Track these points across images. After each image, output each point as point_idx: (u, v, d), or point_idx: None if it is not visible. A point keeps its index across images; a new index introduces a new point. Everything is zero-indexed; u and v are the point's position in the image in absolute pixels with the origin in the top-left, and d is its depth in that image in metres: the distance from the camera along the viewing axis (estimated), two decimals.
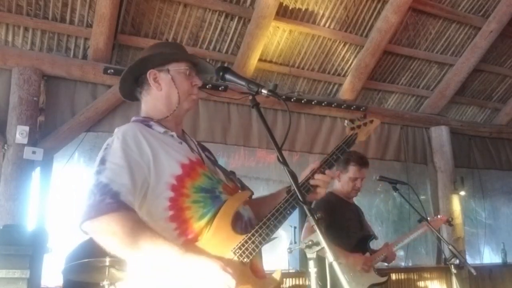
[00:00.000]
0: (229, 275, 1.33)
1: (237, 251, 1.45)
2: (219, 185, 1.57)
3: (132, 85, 1.73)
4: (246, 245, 1.47)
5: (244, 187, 1.69)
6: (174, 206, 1.46)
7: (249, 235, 1.49)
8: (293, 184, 1.41)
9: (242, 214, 1.57)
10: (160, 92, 1.65)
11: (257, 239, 1.48)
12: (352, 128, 1.83)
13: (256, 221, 1.59)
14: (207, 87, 4.19)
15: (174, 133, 1.62)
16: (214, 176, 1.59)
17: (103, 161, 1.41)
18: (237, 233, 1.49)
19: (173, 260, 1.32)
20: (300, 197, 1.40)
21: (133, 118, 1.68)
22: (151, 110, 1.68)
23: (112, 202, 1.31)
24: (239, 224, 1.53)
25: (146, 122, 1.61)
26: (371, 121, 1.89)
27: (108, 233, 1.30)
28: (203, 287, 1.33)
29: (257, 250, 1.49)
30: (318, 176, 1.65)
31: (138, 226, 1.33)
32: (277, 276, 1.52)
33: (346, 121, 1.86)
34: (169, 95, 1.65)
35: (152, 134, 1.55)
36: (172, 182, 1.47)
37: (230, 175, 1.72)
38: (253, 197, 1.71)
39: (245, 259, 1.45)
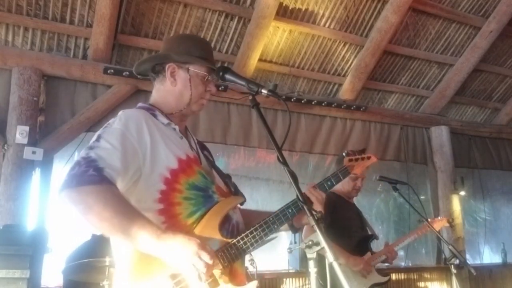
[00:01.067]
0: (206, 252, 1.32)
1: (219, 254, 1.44)
2: (213, 185, 1.58)
3: (148, 69, 1.71)
4: (230, 250, 1.46)
5: (237, 193, 1.69)
6: (164, 200, 1.45)
7: (234, 241, 1.48)
8: (293, 184, 1.41)
9: (231, 216, 1.57)
10: (174, 87, 1.64)
11: (241, 246, 1.48)
12: (350, 160, 1.94)
13: (243, 227, 1.59)
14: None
15: (176, 127, 1.61)
16: (208, 176, 1.59)
17: (98, 138, 1.41)
18: (223, 236, 1.48)
19: (151, 237, 1.29)
20: (300, 197, 1.40)
21: (139, 105, 1.66)
22: (160, 99, 1.67)
23: (94, 174, 1.30)
24: (226, 226, 1.53)
25: (152, 111, 1.60)
26: (368, 157, 1.99)
27: (86, 205, 1.29)
28: (181, 264, 1.32)
29: (239, 258, 1.48)
30: (313, 191, 1.66)
31: (118, 201, 1.32)
32: (252, 287, 1.49)
33: (345, 151, 2.01)
34: (182, 93, 1.64)
35: (155, 123, 1.54)
36: (166, 175, 1.46)
37: (226, 178, 1.72)
38: (247, 208, 1.72)
39: (225, 264, 1.44)
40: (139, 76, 1.80)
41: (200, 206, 1.50)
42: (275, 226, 1.55)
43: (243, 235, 1.50)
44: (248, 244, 1.49)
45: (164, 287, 1.35)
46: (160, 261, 1.33)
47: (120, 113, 1.51)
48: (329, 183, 1.78)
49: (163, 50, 1.72)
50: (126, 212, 1.31)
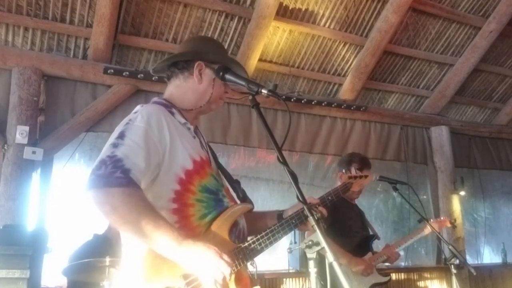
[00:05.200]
0: (224, 261, 1.34)
1: None
2: (223, 189, 1.61)
3: (165, 66, 1.73)
4: (238, 255, 1.49)
5: (245, 199, 1.70)
6: (178, 200, 1.47)
7: (242, 246, 1.51)
8: (293, 184, 1.41)
9: (238, 222, 1.60)
10: (199, 85, 1.66)
11: (248, 252, 1.51)
12: (350, 177, 2.11)
13: (247, 231, 1.63)
14: None
15: (191, 127, 1.63)
16: (218, 178, 1.62)
17: (122, 136, 1.40)
18: (232, 240, 1.52)
19: (173, 243, 1.32)
20: (300, 197, 1.41)
21: (155, 100, 1.66)
22: (178, 96, 1.67)
23: (122, 177, 1.31)
24: (234, 230, 1.56)
25: (169, 108, 1.60)
26: (366, 176, 2.18)
27: (112, 206, 1.30)
28: (199, 271, 1.34)
29: (246, 263, 1.51)
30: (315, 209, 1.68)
31: (143, 204, 1.34)
32: None
33: (344, 169, 2.31)
34: (205, 92, 1.67)
35: (173, 122, 1.55)
36: (181, 176, 1.48)
37: (234, 183, 1.74)
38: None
39: (234, 268, 1.45)
40: (152, 74, 1.81)
41: (211, 210, 1.52)
42: (280, 235, 1.60)
43: (250, 241, 1.54)
44: (255, 250, 1.53)
45: (176, 287, 1.36)
46: (172, 262, 1.35)
47: (140, 108, 1.52)
48: (330, 198, 1.86)
49: (187, 49, 1.72)
50: (151, 216, 1.32)
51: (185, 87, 1.67)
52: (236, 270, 1.46)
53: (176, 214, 1.46)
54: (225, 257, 1.36)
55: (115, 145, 1.38)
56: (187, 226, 1.46)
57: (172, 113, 1.59)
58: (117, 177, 1.30)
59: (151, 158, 1.41)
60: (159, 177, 1.45)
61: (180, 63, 1.68)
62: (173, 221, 1.43)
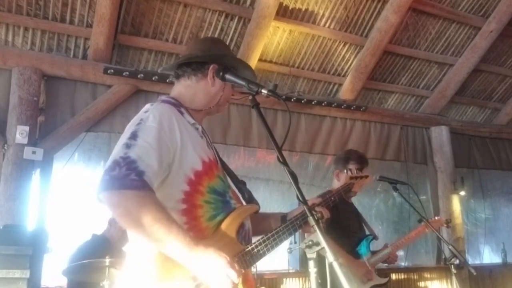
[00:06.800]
0: (233, 270, 1.34)
1: (236, 260, 1.46)
2: (229, 190, 1.61)
3: (179, 64, 1.72)
4: (245, 256, 1.49)
5: (251, 200, 1.71)
6: (187, 201, 1.46)
7: (249, 248, 1.52)
8: (293, 184, 1.41)
9: (244, 223, 1.60)
10: (211, 87, 1.67)
11: (255, 253, 1.52)
12: (351, 178, 2.19)
13: (252, 233, 1.65)
14: None
15: (200, 127, 1.63)
16: (225, 180, 1.62)
17: (134, 136, 1.39)
18: (239, 241, 1.52)
19: (185, 248, 1.31)
20: (300, 197, 1.41)
21: (164, 98, 1.64)
22: (187, 96, 1.67)
23: (136, 179, 1.30)
24: (240, 231, 1.56)
25: (178, 107, 1.60)
26: (366, 177, 2.29)
27: (126, 209, 1.29)
28: (208, 278, 1.34)
29: (252, 264, 1.51)
30: (317, 209, 1.69)
31: (157, 208, 1.32)
32: None
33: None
34: (215, 94, 1.68)
35: (183, 122, 1.55)
36: (190, 176, 1.47)
37: (240, 183, 1.74)
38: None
39: (242, 272, 1.46)
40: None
41: (220, 211, 1.52)
42: (285, 236, 1.62)
43: (257, 243, 1.54)
44: (261, 252, 1.53)
45: None
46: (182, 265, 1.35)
47: (151, 107, 1.51)
48: (332, 199, 1.90)
49: (201, 51, 1.71)
50: (164, 220, 1.31)
51: (196, 88, 1.67)
52: (243, 271, 1.46)
53: (185, 215, 1.45)
54: (236, 265, 1.36)
55: (128, 146, 1.36)
56: (196, 227, 1.46)
57: (181, 113, 1.58)
58: (132, 179, 1.29)
59: (163, 159, 1.40)
60: (169, 178, 1.45)
61: (193, 64, 1.68)
62: (182, 222, 1.42)
